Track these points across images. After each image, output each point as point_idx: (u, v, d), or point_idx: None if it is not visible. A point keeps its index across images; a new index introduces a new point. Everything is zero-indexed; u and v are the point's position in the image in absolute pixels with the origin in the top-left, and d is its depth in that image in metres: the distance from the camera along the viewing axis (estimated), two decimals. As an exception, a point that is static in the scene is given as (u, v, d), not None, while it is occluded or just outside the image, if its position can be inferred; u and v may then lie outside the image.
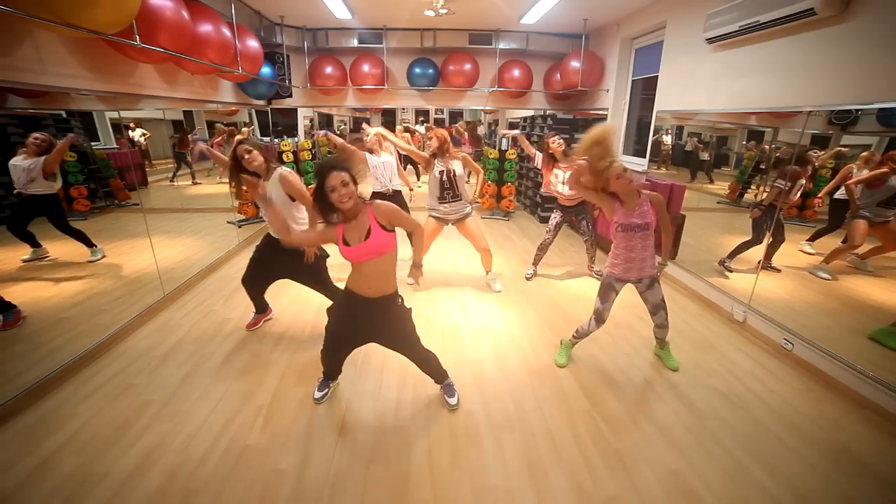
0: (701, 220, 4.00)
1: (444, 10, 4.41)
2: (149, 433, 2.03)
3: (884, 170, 2.61)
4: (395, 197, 3.94)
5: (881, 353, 2.42)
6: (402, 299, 2.02)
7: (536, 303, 3.53)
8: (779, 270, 3.22)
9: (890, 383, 2.22)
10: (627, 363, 2.69)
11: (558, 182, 3.66)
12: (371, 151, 3.85)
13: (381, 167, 3.86)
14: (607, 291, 2.44)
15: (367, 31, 5.71)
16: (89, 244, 3.35)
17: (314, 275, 2.79)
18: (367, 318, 1.98)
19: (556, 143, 3.65)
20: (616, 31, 5.13)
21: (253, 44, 4.29)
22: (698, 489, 1.78)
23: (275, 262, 2.71)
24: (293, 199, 2.58)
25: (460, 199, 3.46)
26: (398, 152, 4.01)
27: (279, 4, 4.75)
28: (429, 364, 2.21)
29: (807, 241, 3.08)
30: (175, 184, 5.47)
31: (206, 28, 3.40)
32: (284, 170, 2.55)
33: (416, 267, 2.11)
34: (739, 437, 2.08)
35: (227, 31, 3.69)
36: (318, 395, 2.28)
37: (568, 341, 2.69)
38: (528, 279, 3.99)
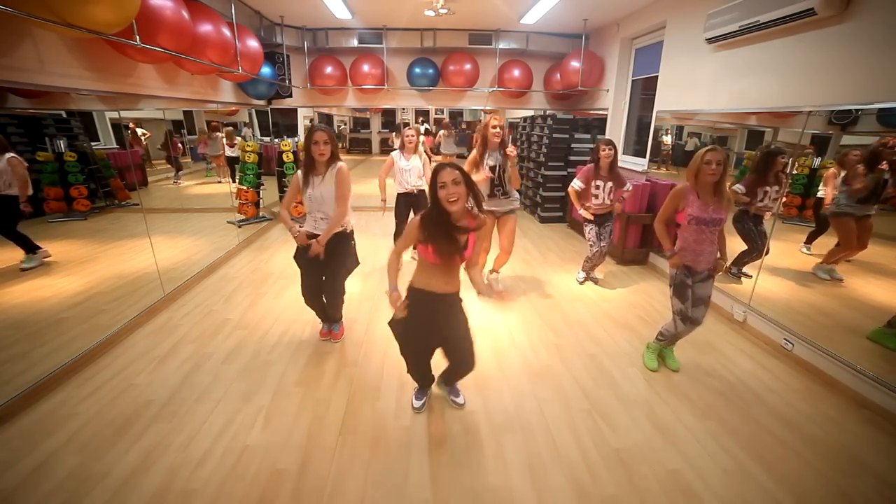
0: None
1: (444, 10, 4.41)
2: (149, 433, 2.03)
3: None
4: (421, 197, 3.95)
5: (881, 353, 2.42)
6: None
7: (536, 303, 3.53)
8: (749, 276, 3.23)
9: (889, 383, 2.22)
10: (628, 363, 2.69)
11: (600, 192, 3.54)
12: (404, 152, 3.86)
13: (408, 172, 3.88)
14: (682, 290, 2.37)
15: (367, 31, 5.71)
16: (30, 250, 3.17)
17: (339, 271, 2.68)
18: (442, 314, 1.95)
19: (605, 151, 3.48)
20: (616, 31, 5.13)
21: (253, 44, 4.29)
22: (698, 489, 1.78)
23: (315, 260, 2.57)
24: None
25: (508, 196, 3.41)
26: (426, 160, 3.97)
27: (279, 4, 4.75)
28: (465, 369, 2.14)
29: (805, 244, 3.08)
30: (179, 183, 5.49)
31: (206, 28, 3.40)
32: (343, 164, 2.49)
33: (488, 286, 2.01)
34: (739, 437, 2.07)
35: (227, 31, 3.69)
36: (417, 404, 2.22)
37: (654, 344, 2.64)
38: (581, 283, 3.95)
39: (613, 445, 2.01)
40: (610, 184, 3.54)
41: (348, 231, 2.63)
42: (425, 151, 4.08)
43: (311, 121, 7.01)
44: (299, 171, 2.53)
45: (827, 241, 2.95)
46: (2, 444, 1.94)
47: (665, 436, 2.08)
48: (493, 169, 3.26)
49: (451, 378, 2.26)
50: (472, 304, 3.43)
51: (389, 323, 2.04)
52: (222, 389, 2.36)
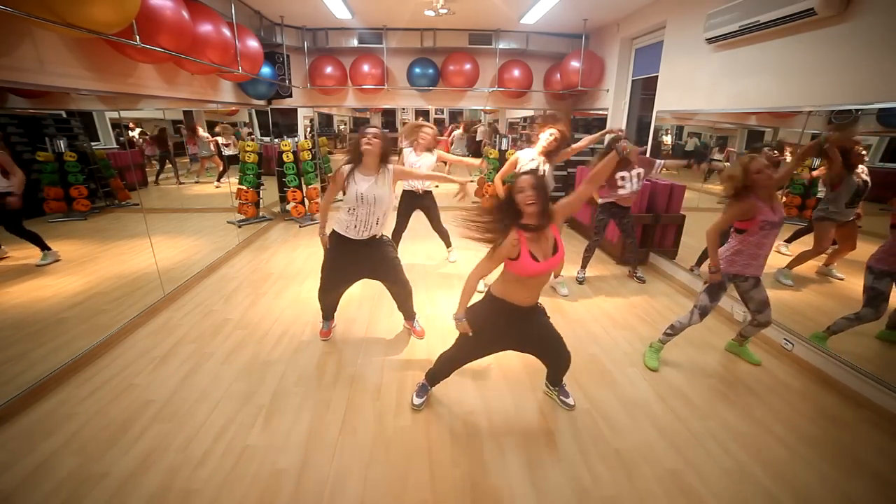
0: (701, 220, 4.00)
1: (444, 10, 4.41)
2: (148, 433, 2.03)
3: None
4: (427, 197, 3.92)
5: (881, 353, 2.42)
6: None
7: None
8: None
9: (890, 383, 2.22)
10: (628, 363, 2.69)
11: (626, 182, 3.51)
12: (417, 148, 3.74)
13: (415, 166, 3.72)
14: (717, 291, 2.41)
15: (367, 31, 5.71)
16: (44, 247, 3.19)
17: (395, 270, 2.64)
18: (524, 327, 1.96)
19: (624, 145, 3.52)
20: (616, 31, 5.13)
21: (253, 44, 4.29)
22: (698, 489, 1.78)
23: (352, 262, 2.55)
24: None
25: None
26: (441, 160, 3.87)
27: (279, 4, 4.75)
28: (566, 363, 2.17)
29: (784, 241, 3.08)
30: (181, 182, 5.48)
31: (206, 28, 3.40)
32: (398, 165, 2.47)
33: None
34: (739, 437, 2.07)
35: (227, 31, 3.69)
36: (418, 401, 2.23)
37: (658, 343, 2.64)
38: (580, 283, 3.95)
39: (613, 445, 2.01)
40: (637, 171, 3.50)
41: (379, 234, 2.57)
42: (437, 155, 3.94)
43: (311, 121, 7.00)
44: (345, 167, 2.40)
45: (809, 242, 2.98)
46: (2, 444, 1.94)
47: (665, 436, 2.08)
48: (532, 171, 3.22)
49: (556, 377, 2.25)
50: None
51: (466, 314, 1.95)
52: (222, 389, 2.36)
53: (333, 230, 2.53)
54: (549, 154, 3.15)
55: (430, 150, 3.78)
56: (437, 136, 3.68)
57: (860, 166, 2.62)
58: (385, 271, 2.63)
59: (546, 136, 3.11)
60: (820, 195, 3.02)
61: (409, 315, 2.93)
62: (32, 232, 3.08)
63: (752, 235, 2.29)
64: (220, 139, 5.97)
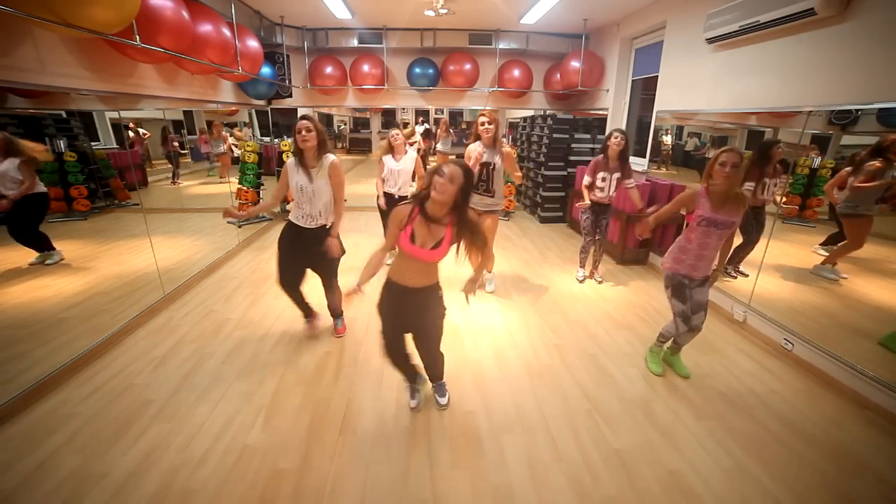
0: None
1: (444, 10, 4.41)
2: (149, 433, 2.03)
3: (877, 164, 2.59)
4: (402, 202, 3.91)
5: (881, 353, 2.42)
6: (442, 292, 2.01)
7: (536, 303, 3.53)
8: (746, 276, 3.22)
9: (890, 383, 2.22)
10: (628, 363, 2.69)
11: (606, 185, 3.56)
12: (394, 153, 3.79)
13: (396, 172, 3.81)
14: (681, 290, 2.34)
15: (367, 31, 5.71)
16: (44, 249, 3.17)
17: (330, 269, 2.72)
18: (408, 308, 1.96)
19: (617, 139, 3.47)
20: (616, 31, 5.13)
21: (253, 44, 4.29)
22: (698, 489, 1.78)
23: (298, 250, 2.62)
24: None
25: (492, 196, 3.36)
26: (419, 163, 3.90)
27: (279, 4, 4.75)
28: (437, 363, 2.21)
29: (820, 244, 3.05)
30: (179, 183, 5.48)
31: (206, 28, 3.40)
32: (335, 157, 2.53)
33: (473, 282, 2.01)
34: (739, 437, 2.07)
35: (227, 31, 3.69)
36: (412, 403, 2.23)
37: (655, 347, 2.62)
38: (580, 282, 3.96)
39: (613, 445, 2.01)
40: (616, 175, 3.54)
41: (329, 225, 2.62)
42: (420, 155, 3.99)
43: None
44: (290, 160, 2.52)
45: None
46: (2, 444, 1.94)
47: (665, 436, 2.08)
48: (483, 165, 3.22)
49: (429, 375, 2.28)
50: (473, 305, 3.45)
51: (377, 306, 2.03)
52: (222, 389, 2.36)
53: (288, 219, 2.64)
54: (493, 143, 3.22)
55: (405, 149, 3.83)
56: (407, 137, 3.74)
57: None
58: (322, 265, 2.69)
59: (481, 128, 3.18)
60: (818, 192, 3.01)
61: (334, 313, 2.97)
62: (43, 234, 3.09)
63: (692, 231, 2.27)
64: (231, 140, 5.99)
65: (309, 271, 2.73)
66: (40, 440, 1.97)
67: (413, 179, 3.98)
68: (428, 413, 2.22)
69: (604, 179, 3.56)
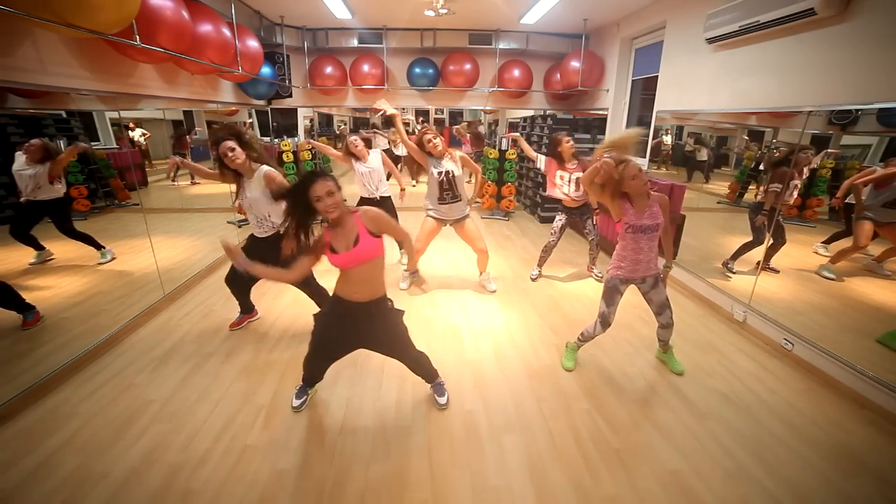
0: (701, 220, 4.00)
1: (444, 10, 4.41)
2: (149, 433, 2.03)
3: (893, 170, 2.59)
4: (384, 203, 3.89)
5: (881, 353, 2.42)
6: (392, 302, 2.01)
7: (537, 303, 3.53)
8: (777, 272, 3.21)
9: (890, 383, 2.22)
10: (628, 363, 2.69)
11: (564, 183, 3.63)
12: (359, 158, 3.80)
13: (367, 174, 3.83)
14: (612, 294, 2.42)
15: (367, 31, 5.71)
16: (98, 246, 3.37)
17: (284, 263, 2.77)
18: (358, 324, 1.93)
19: (569, 143, 3.61)
20: (616, 31, 5.13)
21: (253, 44, 4.29)
22: (698, 489, 1.78)
23: (260, 260, 2.66)
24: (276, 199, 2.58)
25: (459, 200, 3.43)
26: (385, 159, 3.93)
27: (279, 4, 4.75)
28: (420, 364, 2.20)
29: (822, 243, 3.05)
30: (176, 183, 5.48)
31: (206, 28, 3.40)
32: (268, 168, 2.57)
33: (412, 273, 2.05)
34: (739, 437, 2.08)
35: (227, 31, 3.69)
36: (296, 402, 2.20)
37: (573, 344, 2.65)
38: (532, 280, 3.99)
39: (613, 445, 2.01)
40: (577, 174, 3.58)
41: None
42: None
43: (311, 121, 6.99)
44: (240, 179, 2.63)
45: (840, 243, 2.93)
46: (2, 444, 1.94)
47: (665, 436, 2.08)
48: (443, 174, 3.31)
49: (424, 377, 2.28)
50: (473, 305, 3.46)
51: (315, 315, 2.03)
52: (222, 389, 2.36)
53: (251, 234, 2.76)
54: (443, 154, 3.34)
55: (367, 151, 3.85)
56: (355, 142, 3.78)
57: None
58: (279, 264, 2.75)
59: (430, 144, 3.30)
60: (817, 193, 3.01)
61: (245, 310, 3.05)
62: (31, 235, 3.11)
63: (623, 238, 2.33)
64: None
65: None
66: (40, 440, 1.97)
67: (389, 179, 4.00)
68: (428, 413, 2.22)
69: (562, 178, 3.63)
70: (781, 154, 3.19)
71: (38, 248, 3.15)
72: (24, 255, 3.06)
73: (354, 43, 5.75)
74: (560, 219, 3.79)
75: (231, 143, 2.44)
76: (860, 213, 2.77)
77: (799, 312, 2.89)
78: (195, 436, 2.02)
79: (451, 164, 3.35)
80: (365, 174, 3.83)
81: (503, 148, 6.45)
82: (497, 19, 5.23)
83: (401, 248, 4.30)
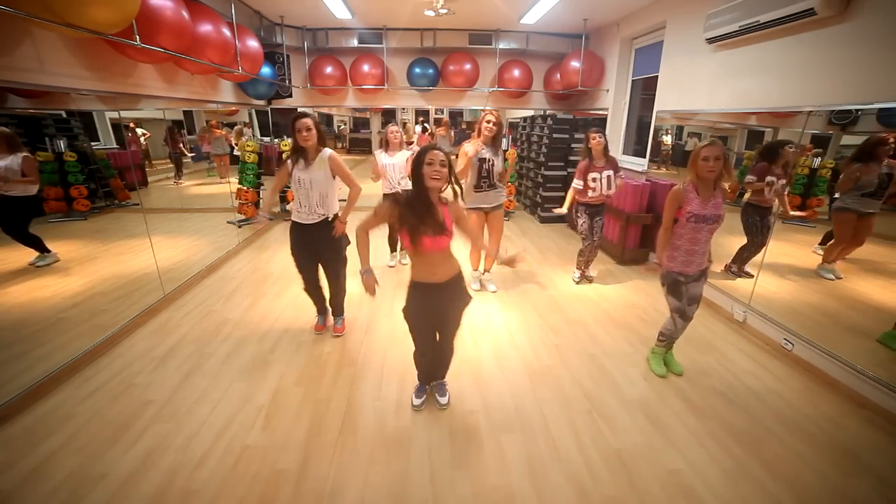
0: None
1: (444, 10, 4.41)
2: (148, 433, 2.03)
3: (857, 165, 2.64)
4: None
5: (880, 353, 2.42)
6: (464, 281, 2.04)
7: (537, 303, 3.53)
8: (751, 276, 3.21)
9: (889, 383, 2.22)
10: (628, 363, 2.69)
11: (597, 185, 3.56)
12: (390, 148, 3.83)
13: (391, 167, 3.83)
14: (675, 288, 2.36)
15: (367, 31, 5.71)
16: (43, 250, 3.15)
17: (336, 261, 2.76)
18: (441, 302, 1.98)
19: (596, 139, 3.52)
20: (616, 31, 5.13)
21: (253, 44, 4.29)
22: (698, 489, 1.78)
23: (306, 248, 2.71)
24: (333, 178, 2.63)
25: (496, 188, 3.42)
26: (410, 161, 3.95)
27: (279, 4, 4.74)
28: (449, 357, 2.22)
29: (819, 244, 3.06)
30: (180, 182, 5.49)
31: (206, 28, 3.40)
32: (332, 151, 2.61)
33: (501, 260, 2.06)
34: (739, 437, 2.07)
35: (227, 31, 3.69)
36: (416, 401, 2.23)
37: (658, 349, 2.61)
38: (576, 283, 3.96)
39: (613, 445, 2.01)
40: (607, 172, 3.54)
41: (331, 217, 2.67)
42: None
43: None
44: (289, 160, 2.60)
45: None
46: (2, 444, 1.94)
47: (665, 436, 2.08)
48: (483, 161, 3.29)
49: (439, 370, 2.28)
50: (473, 305, 3.44)
51: (403, 310, 2.05)
52: (222, 390, 2.36)
53: (292, 220, 2.71)
54: (493, 141, 3.32)
55: (401, 147, 3.89)
56: (406, 136, 3.81)
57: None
58: (327, 257, 2.75)
59: (486, 125, 3.26)
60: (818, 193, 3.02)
61: (336, 311, 3.00)
62: (35, 236, 3.08)
63: (681, 227, 2.26)
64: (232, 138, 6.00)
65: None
66: (40, 440, 1.97)
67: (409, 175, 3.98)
68: (428, 413, 2.22)
69: (594, 180, 3.57)
70: (765, 147, 3.21)
71: (43, 250, 3.14)
72: (24, 255, 3.06)
73: (354, 43, 5.75)
74: (584, 220, 3.73)
75: (309, 122, 2.48)
76: (843, 206, 2.77)
77: (799, 312, 2.89)
78: (195, 436, 2.02)
79: (495, 155, 3.34)
80: (388, 166, 3.83)
81: (503, 148, 6.45)
82: (497, 19, 5.23)
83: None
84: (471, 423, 2.15)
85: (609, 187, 3.57)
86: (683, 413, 2.24)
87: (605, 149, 3.54)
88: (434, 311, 2.01)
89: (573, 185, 3.67)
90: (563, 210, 3.77)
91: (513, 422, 2.16)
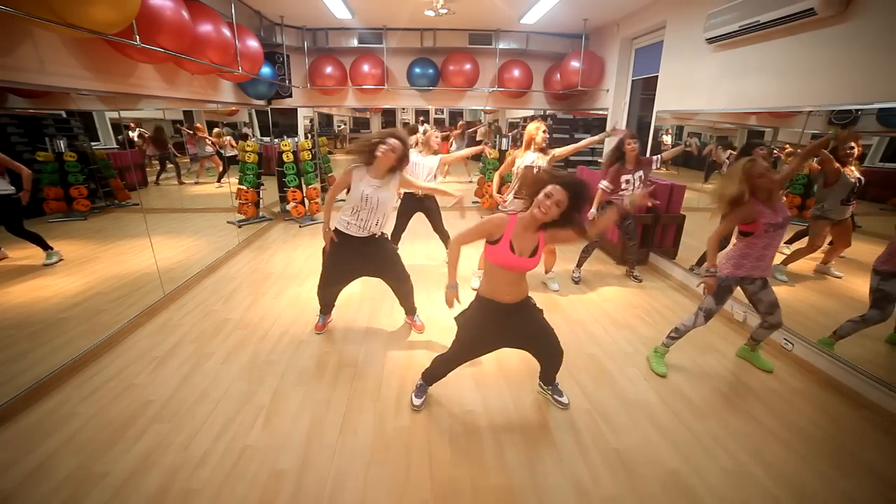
0: (701, 220, 4.00)
1: (444, 10, 4.41)
2: (148, 433, 2.03)
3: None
4: (429, 199, 3.87)
5: (880, 352, 2.42)
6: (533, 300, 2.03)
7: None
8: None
9: (889, 383, 2.22)
10: (628, 363, 2.69)
11: (629, 186, 3.53)
12: (425, 149, 3.74)
13: (418, 166, 3.69)
14: (725, 294, 2.38)
15: (367, 31, 5.71)
16: (45, 247, 3.20)
17: (395, 267, 2.72)
18: (511, 326, 1.97)
19: (631, 145, 3.47)
20: (616, 31, 5.13)
21: (253, 44, 4.29)
22: (698, 489, 1.78)
23: (354, 259, 2.62)
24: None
25: None
26: (439, 166, 3.83)
27: (279, 4, 4.75)
28: (560, 360, 2.18)
29: (784, 242, 3.08)
30: (182, 182, 5.49)
31: (206, 28, 3.40)
32: (404, 174, 2.55)
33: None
34: (739, 437, 2.08)
35: (227, 31, 3.69)
36: (416, 402, 2.23)
37: (662, 348, 2.62)
38: (576, 283, 3.96)
39: (613, 445, 2.01)
40: (639, 173, 3.53)
41: (378, 235, 2.63)
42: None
43: (311, 121, 6.99)
44: (354, 166, 2.45)
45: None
46: (2, 444, 1.94)
47: (665, 436, 2.08)
48: (531, 169, 3.26)
49: (548, 376, 2.26)
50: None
51: (456, 318, 2.05)
52: (222, 389, 2.36)
53: (336, 228, 2.59)
54: (543, 150, 3.34)
55: (435, 152, 3.80)
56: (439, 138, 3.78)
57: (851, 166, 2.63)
58: (388, 269, 2.72)
59: (539, 133, 3.29)
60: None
61: (409, 310, 3.00)
62: (33, 232, 3.08)
63: (758, 238, 2.27)
64: (210, 140, 5.96)
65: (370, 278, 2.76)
66: (40, 440, 1.97)
67: (434, 178, 3.92)
68: (428, 413, 2.22)
69: (627, 182, 3.53)
70: (738, 154, 3.24)
71: (46, 247, 3.15)
72: (25, 255, 3.07)
73: (354, 43, 5.75)
74: (627, 221, 3.73)
75: (397, 144, 2.37)
76: (820, 214, 2.82)
77: (799, 312, 2.89)
78: (195, 436, 2.02)
79: (541, 159, 3.35)
80: (416, 164, 3.67)
81: (503, 148, 6.46)
82: (497, 19, 5.23)
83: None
84: (471, 422, 2.15)
85: (639, 188, 3.52)
86: (683, 413, 2.24)
87: (638, 153, 3.53)
88: (503, 333, 2.00)
89: (601, 186, 3.57)
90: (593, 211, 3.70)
91: (513, 422, 2.16)
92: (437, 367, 2.19)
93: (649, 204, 2.39)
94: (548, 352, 2.13)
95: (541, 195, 1.74)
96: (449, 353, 2.13)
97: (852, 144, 2.59)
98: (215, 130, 6.13)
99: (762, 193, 2.21)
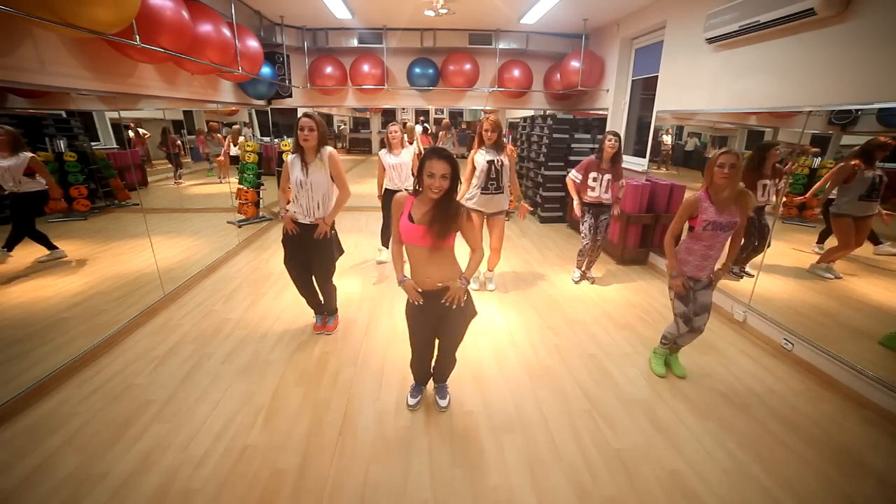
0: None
1: (444, 10, 4.41)
2: (149, 433, 2.03)
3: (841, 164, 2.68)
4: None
5: (881, 353, 2.42)
6: (470, 295, 1.99)
7: (536, 303, 3.53)
8: (751, 275, 3.21)
9: (890, 383, 2.22)
10: (628, 363, 2.69)
11: (596, 185, 3.55)
12: (393, 148, 3.86)
13: (396, 167, 3.86)
14: (685, 293, 2.34)
15: (367, 31, 5.71)
16: (51, 247, 3.23)
17: (324, 268, 2.76)
18: (435, 311, 1.93)
19: (611, 142, 3.47)
20: (616, 31, 5.13)
21: (253, 44, 4.29)
22: (698, 489, 1.78)
23: (298, 246, 2.69)
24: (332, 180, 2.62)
25: (502, 192, 3.40)
26: (414, 160, 3.95)
27: (279, 4, 4.74)
28: (450, 365, 2.20)
29: (817, 243, 3.07)
30: (181, 183, 5.49)
31: (206, 28, 3.40)
32: (332, 149, 2.58)
33: (464, 281, 1.92)
34: (739, 437, 2.08)
35: (227, 31, 3.69)
36: (411, 401, 2.23)
37: (660, 349, 2.61)
38: (575, 283, 3.95)
39: (613, 445, 2.01)
40: (608, 177, 3.54)
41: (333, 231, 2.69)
42: (418, 154, 4.04)
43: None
44: (290, 157, 2.59)
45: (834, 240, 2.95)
46: (2, 444, 1.94)
47: (665, 436, 2.08)
48: (491, 163, 3.27)
49: (436, 375, 2.27)
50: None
51: (406, 311, 2.04)
52: (222, 389, 2.36)
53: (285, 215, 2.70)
54: (496, 145, 3.30)
55: (402, 146, 3.90)
56: (405, 133, 3.84)
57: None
58: (315, 261, 2.74)
59: (485, 134, 3.26)
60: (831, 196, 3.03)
61: (330, 312, 3.01)
62: (41, 233, 3.12)
63: (698, 236, 2.24)
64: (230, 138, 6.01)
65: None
66: (40, 440, 1.97)
67: (413, 174, 3.98)
68: (428, 413, 2.22)
69: (595, 179, 3.56)
70: (749, 157, 3.24)
71: (51, 247, 3.16)
72: (24, 254, 3.06)
73: (354, 43, 5.75)
74: (588, 221, 3.70)
75: (311, 122, 2.45)
76: (838, 212, 2.80)
77: (799, 312, 2.89)
78: (195, 436, 2.02)
79: (501, 156, 3.32)
80: (392, 166, 3.86)
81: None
82: (497, 19, 5.23)
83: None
84: (470, 423, 2.15)
85: (606, 191, 3.57)
86: (683, 413, 2.24)
87: (616, 155, 3.51)
88: (432, 319, 1.97)
89: (570, 175, 3.65)
90: (577, 211, 3.71)
91: (513, 422, 2.16)
92: (411, 366, 2.23)
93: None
94: (442, 353, 2.13)
95: (426, 178, 1.71)
96: (411, 348, 2.15)
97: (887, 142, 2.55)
98: (234, 127, 6.17)
99: (716, 189, 2.15)
